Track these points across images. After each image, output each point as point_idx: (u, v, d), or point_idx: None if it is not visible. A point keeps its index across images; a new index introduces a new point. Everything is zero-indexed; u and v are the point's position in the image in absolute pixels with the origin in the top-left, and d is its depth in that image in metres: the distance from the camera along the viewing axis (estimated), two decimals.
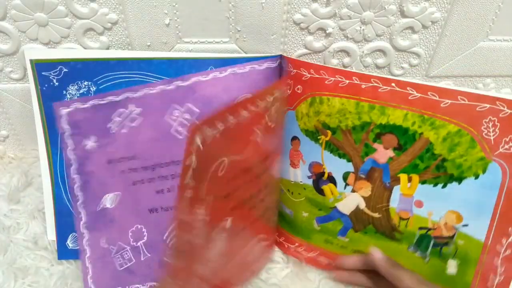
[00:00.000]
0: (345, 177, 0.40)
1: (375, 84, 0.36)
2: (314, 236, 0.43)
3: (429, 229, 0.38)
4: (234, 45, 0.44)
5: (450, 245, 0.38)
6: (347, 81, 0.36)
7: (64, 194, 0.44)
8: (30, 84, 0.41)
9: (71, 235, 0.44)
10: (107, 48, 0.44)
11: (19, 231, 0.46)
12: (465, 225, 0.37)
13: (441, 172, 0.36)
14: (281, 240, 0.45)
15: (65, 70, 0.41)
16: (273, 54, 0.43)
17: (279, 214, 0.45)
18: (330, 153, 0.39)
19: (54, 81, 0.41)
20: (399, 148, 0.37)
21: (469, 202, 0.36)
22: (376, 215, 0.40)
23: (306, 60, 0.45)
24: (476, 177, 0.35)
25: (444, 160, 0.36)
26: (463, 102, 0.33)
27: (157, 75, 0.41)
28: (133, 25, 0.42)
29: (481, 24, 0.43)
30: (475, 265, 0.37)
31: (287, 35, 0.43)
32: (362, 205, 0.40)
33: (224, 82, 0.40)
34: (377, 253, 0.38)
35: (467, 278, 0.38)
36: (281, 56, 0.42)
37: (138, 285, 0.42)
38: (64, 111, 0.39)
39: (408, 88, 0.35)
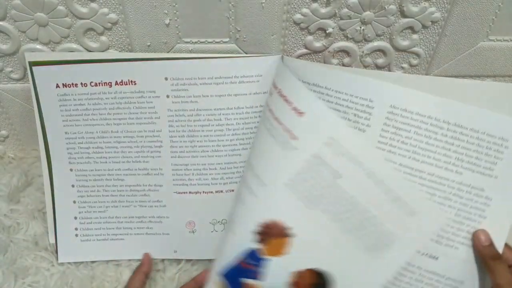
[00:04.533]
0: None
1: None
2: None
3: None
4: (234, 45, 0.44)
5: None
6: None
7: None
8: (30, 85, 0.41)
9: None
10: (107, 48, 0.44)
11: (19, 231, 0.46)
12: None
13: None
14: None
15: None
16: (273, 54, 0.43)
17: None
18: None
19: None
20: None
21: None
22: None
23: (306, 60, 0.46)
24: None
25: None
26: None
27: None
28: (133, 25, 0.42)
29: (481, 24, 0.43)
30: None
31: (287, 35, 0.43)
32: None
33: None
34: (481, 235, 0.35)
35: None
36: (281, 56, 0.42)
37: None
38: None
39: None
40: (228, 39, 0.44)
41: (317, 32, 0.43)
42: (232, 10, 0.41)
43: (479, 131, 0.33)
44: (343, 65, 0.46)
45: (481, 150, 0.34)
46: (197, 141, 0.42)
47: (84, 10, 0.41)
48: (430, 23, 0.42)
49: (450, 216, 0.35)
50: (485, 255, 0.34)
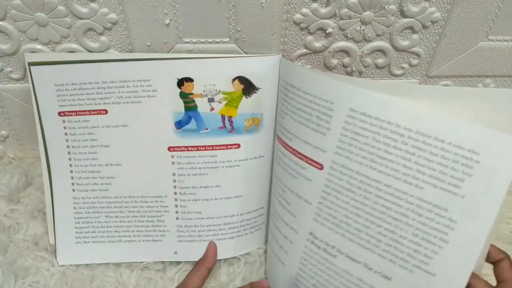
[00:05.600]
0: None
1: None
2: None
3: None
4: (234, 45, 0.44)
5: None
6: None
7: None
8: (30, 85, 0.41)
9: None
10: (107, 48, 0.44)
11: (19, 231, 0.46)
12: None
13: None
14: None
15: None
16: (273, 54, 0.43)
17: None
18: None
19: None
20: None
21: None
22: None
23: (306, 60, 0.46)
24: None
25: None
26: None
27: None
28: (133, 25, 0.42)
29: (481, 24, 0.43)
30: None
31: (287, 35, 0.43)
32: None
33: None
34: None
35: None
36: (281, 56, 0.42)
37: None
38: None
39: None
40: (228, 39, 0.44)
41: (317, 32, 0.43)
42: (232, 10, 0.41)
43: (444, 140, 0.28)
44: (343, 65, 0.46)
45: (446, 163, 0.28)
46: None
47: (84, 10, 0.41)
48: (430, 23, 0.42)
49: (407, 235, 0.31)
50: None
